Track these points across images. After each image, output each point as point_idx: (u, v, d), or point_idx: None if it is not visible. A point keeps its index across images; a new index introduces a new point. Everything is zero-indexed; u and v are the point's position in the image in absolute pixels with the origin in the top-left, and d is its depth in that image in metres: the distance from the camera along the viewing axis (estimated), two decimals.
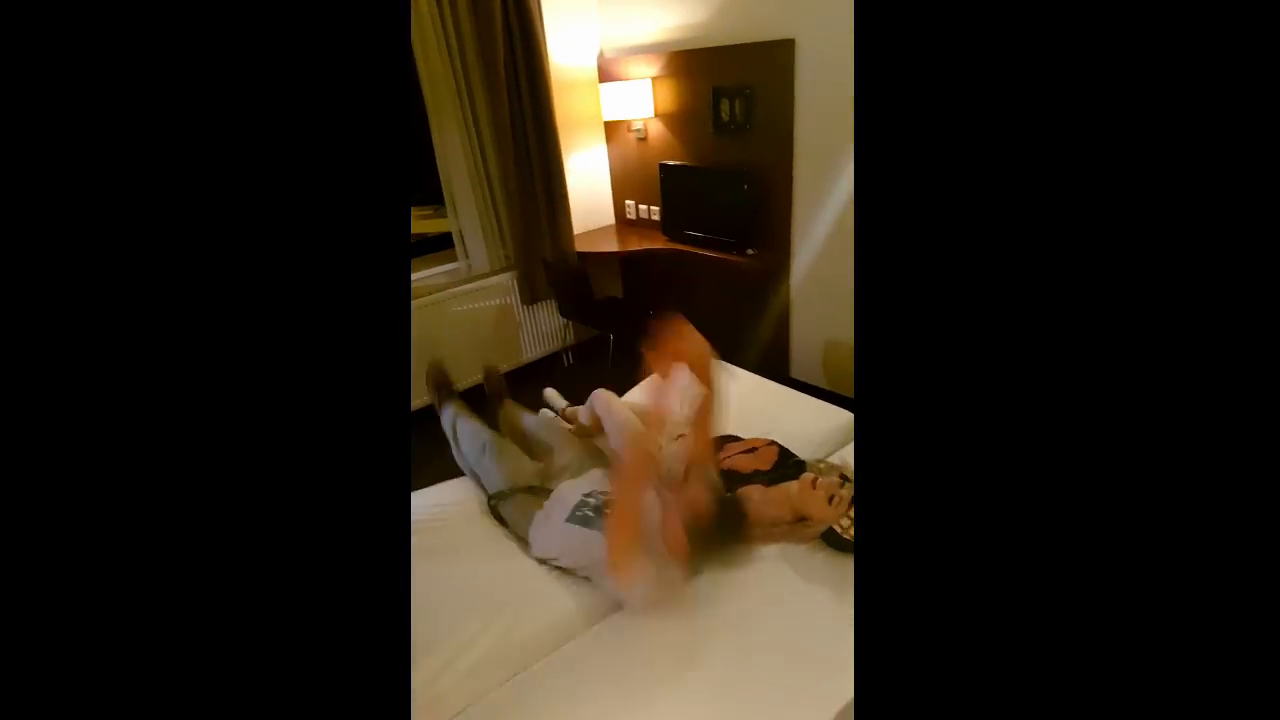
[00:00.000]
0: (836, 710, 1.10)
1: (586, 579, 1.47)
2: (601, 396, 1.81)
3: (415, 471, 1.82)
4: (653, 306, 3.39)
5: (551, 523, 1.54)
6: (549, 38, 2.97)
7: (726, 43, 2.71)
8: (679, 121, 3.07)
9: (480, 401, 2.16)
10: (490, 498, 1.71)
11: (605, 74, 3.31)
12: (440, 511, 1.75)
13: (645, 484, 1.39)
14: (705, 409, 1.40)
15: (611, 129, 3.47)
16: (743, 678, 1.19)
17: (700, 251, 3.02)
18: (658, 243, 3.22)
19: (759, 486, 1.47)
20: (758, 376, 2.27)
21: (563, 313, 3.46)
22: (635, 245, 3.26)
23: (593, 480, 1.65)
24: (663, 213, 3.26)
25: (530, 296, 3.33)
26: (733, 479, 1.57)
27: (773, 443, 1.67)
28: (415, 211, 3.87)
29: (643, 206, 3.49)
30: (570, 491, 1.60)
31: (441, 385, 2.17)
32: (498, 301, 3.28)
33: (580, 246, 3.34)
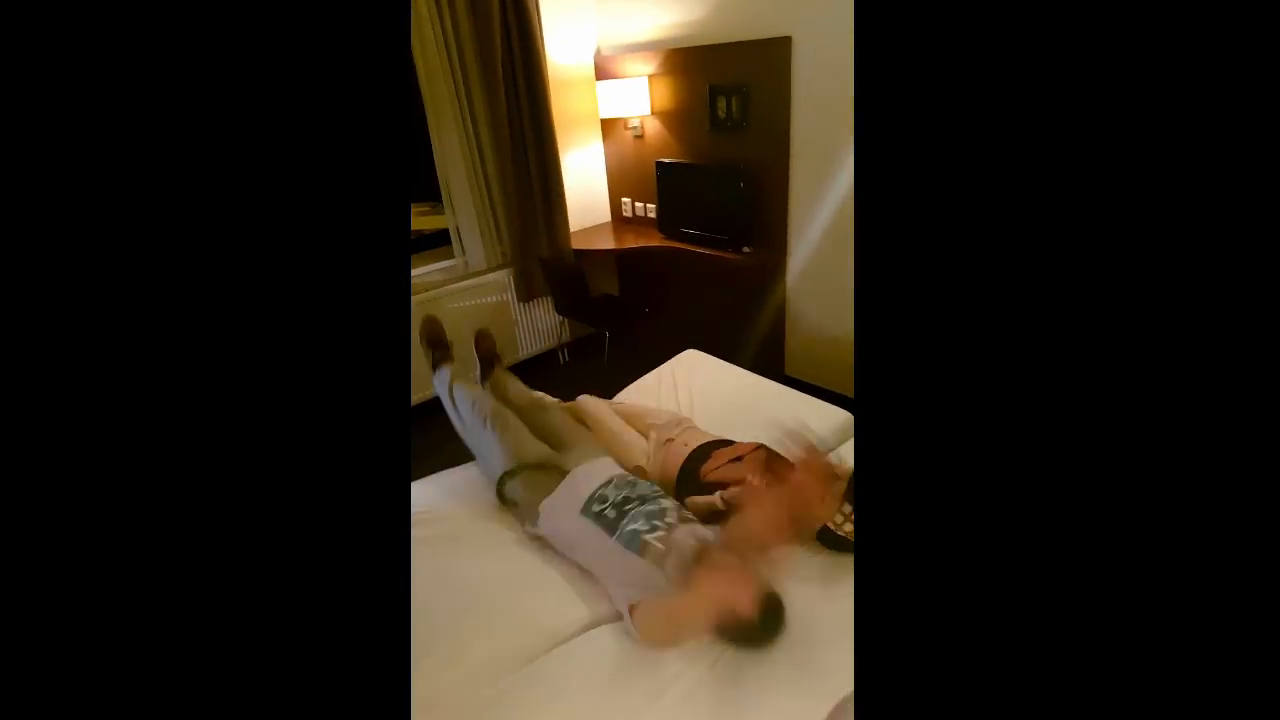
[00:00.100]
0: (830, 709, 1.12)
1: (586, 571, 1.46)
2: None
3: (415, 466, 1.81)
4: (648, 304, 3.41)
5: (565, 509, 1.50)
6: (546, 36, 2.97)
7: (723, 41, 2.71)
8: (675, 119, 3.08)
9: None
10: (500, 478, 1.65)
11: (602, 72, 3.31)
12: (438, 504, 1.73)
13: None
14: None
15: (608, 127, 3.47)
16: (740, 676, 1.20)
17: (696, 249, 3.03)
18: (654, 240, 3.23)
19: (749, 487, 1.46)
20: (753, 374, 2.28)
21: (559, 310, 3.46)
22: (631, 243, 3.26)
23: (606, 467, 1.61)
24: (659, 210, 3.26)
25: (526, 293, 3.33)
26: (721, 489, 1.56)
27: (760, 446, 1.65)
28: (413, 208, 3.87)
29: (639, 204, 3.49)
30: (585, 477, 1.56)
31: (436, 343, 2.03)
32: (494, 298, 3.28)
33: (577, 244, 3.34)
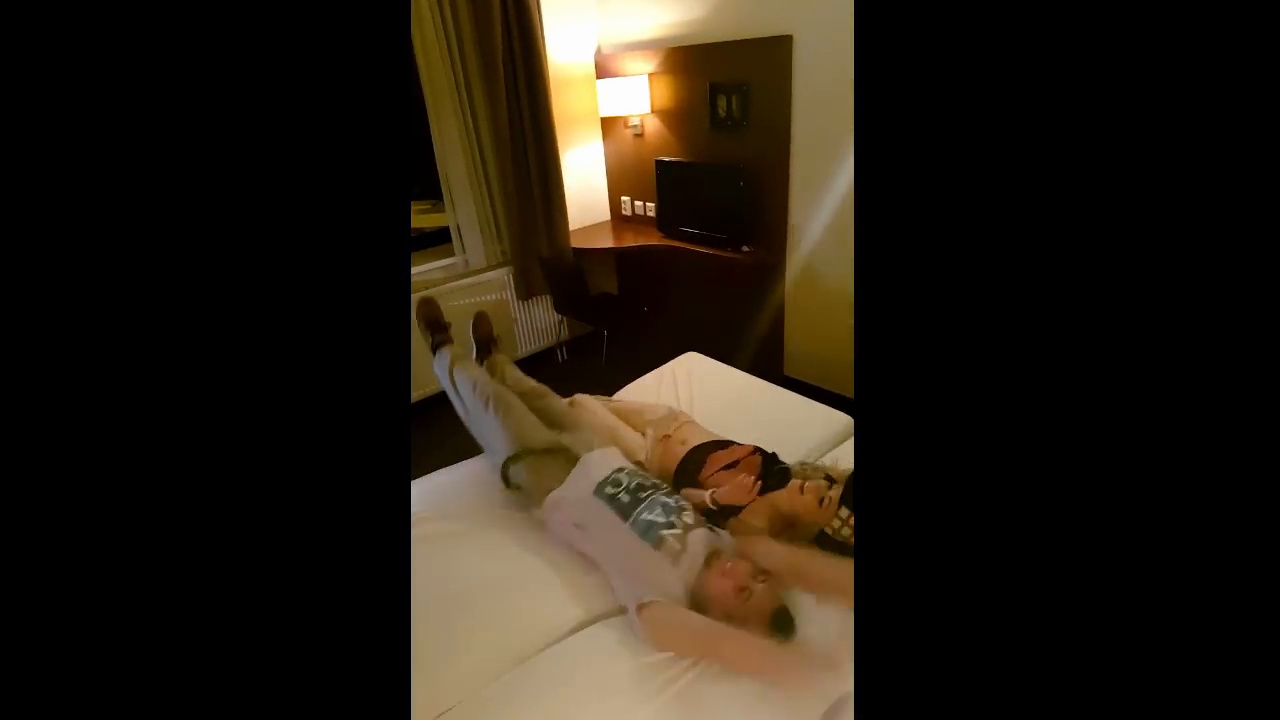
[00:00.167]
0: (825, 709, 1.12)
1: (589, 564, 1.45)
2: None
3: (415, 463, 1.81)
4: (647, 303, 3.41)
5: (577, 491, 1.49)
6: (547, 34, 2.97)
7: (723, 39, 2.71)
8: (675, 118, 3.08)
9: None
10: (504, 463, 1.64)
11: (602, 70, 3.31)
12: (435, 503, 1.73)
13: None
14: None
15: (608, 125, 3.47)
16: (738, 675, 1.20)
17: (696, 248, 3.02)
18: (653, 239, 3.23)
19: (744, 485, 1.46)
20: (753, 377, 2.27)
21: (558, 308, 3.46)
22: (631, 241, 3.26)
23: (617, 455, 1.60)
24: (658, 209, 3.26)
25: (526, 292, 3.33)
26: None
27: (756, 450, 1.64)
28: (414, 206, 3.87)
29: (639, 202, 3.49)
30: (599, 460, 1.55)
31: (435, 325, 1.98)
32: (494, 296, 3.27)
33: (576, 242, 3.34)
